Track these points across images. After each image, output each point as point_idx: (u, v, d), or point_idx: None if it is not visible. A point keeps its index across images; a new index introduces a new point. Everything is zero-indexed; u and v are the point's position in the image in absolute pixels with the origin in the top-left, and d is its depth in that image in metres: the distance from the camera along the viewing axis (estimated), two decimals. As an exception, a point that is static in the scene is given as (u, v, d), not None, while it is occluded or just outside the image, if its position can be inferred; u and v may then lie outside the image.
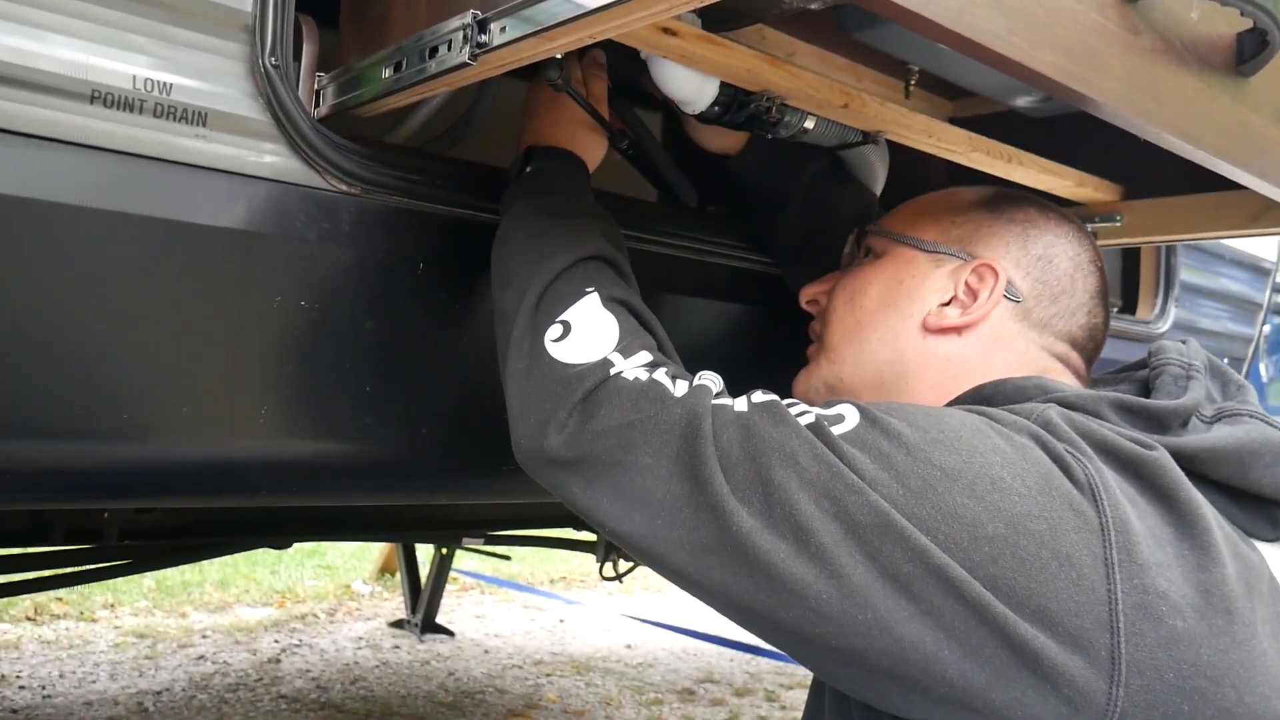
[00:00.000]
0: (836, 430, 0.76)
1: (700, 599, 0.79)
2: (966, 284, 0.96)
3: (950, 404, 0.92)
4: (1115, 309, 2.03)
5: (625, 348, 0.87)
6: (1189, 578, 0.72)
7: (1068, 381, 0.95)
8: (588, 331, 0.87)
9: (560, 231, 0.96)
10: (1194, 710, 0.69)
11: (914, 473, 0.72)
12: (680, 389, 0.82)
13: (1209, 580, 0.73)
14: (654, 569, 0.80)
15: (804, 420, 0.77)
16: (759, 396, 0.81)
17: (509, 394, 0.90)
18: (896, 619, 0.69)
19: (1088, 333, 0.99)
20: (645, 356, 0.87)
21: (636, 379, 0.83)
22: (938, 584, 0.69)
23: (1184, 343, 0.94)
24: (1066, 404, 0.84)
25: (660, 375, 0.84)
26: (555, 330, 0.88)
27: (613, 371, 0.84)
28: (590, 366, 0.85)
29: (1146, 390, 0.90)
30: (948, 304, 0.97)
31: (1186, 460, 0.80)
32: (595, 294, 0.90)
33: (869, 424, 0.77)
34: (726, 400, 0.81)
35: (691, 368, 0.90)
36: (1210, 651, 0.70)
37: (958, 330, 0.96)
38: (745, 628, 0.78)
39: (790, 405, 0.79)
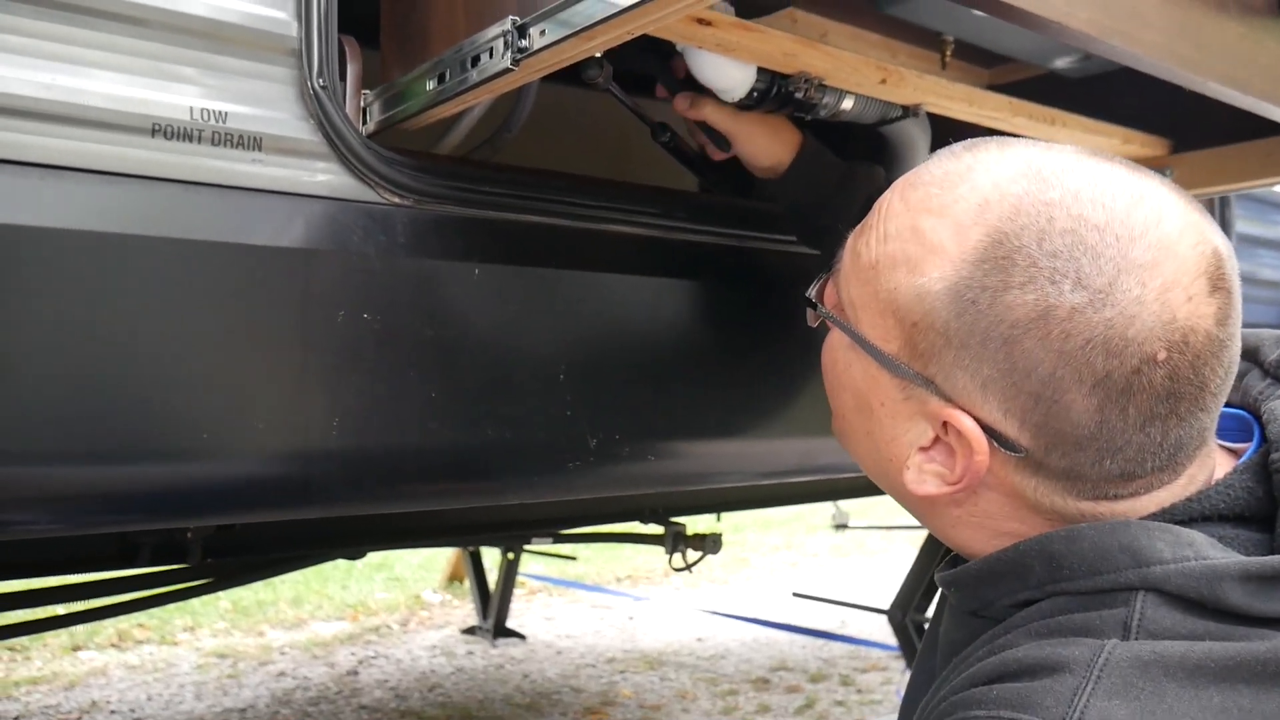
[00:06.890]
0: None
1: None
2: (943, 432, 0.66)
3: (1012, 555, 0.65)
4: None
5: None
6: None
7: (1153, 510, 0.64)
8: None
9: None
10: None
11: None
12: None
13: None
14: None
15: None
16: None
17: None
18: None
19: (1165, 452, 0.62)
20: None
21: None
22: None
23: None
24: (1166, 590, 0.59)
25: None
26: None
27: None
28: None
29: (1268, 478, 0.64)
30: (929, 447, 0.67)
31: None
32: None
33: None
34: None
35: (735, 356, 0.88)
36: None
37: (949, 495, 0.67)
38: None
39: None
